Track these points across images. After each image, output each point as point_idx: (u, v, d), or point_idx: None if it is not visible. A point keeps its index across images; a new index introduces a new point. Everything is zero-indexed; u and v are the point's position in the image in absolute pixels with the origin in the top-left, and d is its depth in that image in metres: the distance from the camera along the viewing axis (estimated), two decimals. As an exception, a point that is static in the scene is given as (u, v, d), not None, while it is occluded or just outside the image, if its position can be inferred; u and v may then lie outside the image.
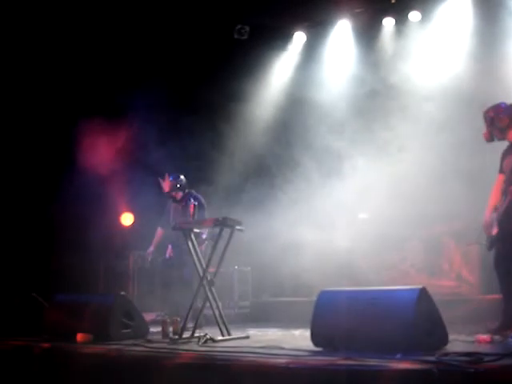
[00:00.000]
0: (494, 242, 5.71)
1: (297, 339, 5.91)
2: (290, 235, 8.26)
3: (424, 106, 8.16)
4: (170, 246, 7.92)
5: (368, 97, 9.22)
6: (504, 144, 5.96)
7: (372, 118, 8.73)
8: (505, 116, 5.82)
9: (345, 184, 8.51)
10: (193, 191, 7.98)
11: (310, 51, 10.31)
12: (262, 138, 9.94)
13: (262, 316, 8.22)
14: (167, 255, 7.97)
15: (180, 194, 7.93)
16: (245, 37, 10.20)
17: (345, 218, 8.66)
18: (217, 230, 6.12)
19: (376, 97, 9.04)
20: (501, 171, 5.91)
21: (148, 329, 6.53)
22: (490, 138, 5.90)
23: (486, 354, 4.26)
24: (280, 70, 10.53)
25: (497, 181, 5.91)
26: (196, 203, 6.23)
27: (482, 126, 5.96)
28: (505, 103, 5.87)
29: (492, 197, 5.87)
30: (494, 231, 5.69)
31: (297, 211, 8.31)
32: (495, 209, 5.77)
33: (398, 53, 9.22)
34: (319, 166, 8.88)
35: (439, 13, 9.19)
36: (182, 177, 8.02)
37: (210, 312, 6.32)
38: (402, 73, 8.77)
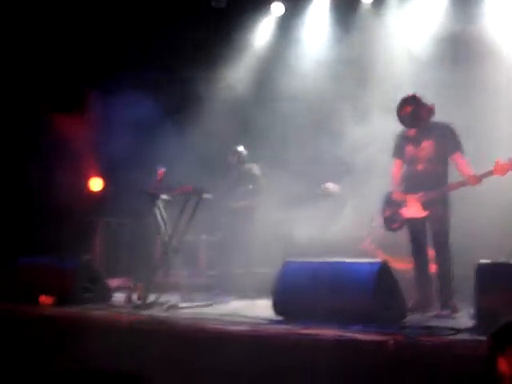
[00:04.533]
0: (404, 223, 5.93)
1: (260, 308, 5.91)
2: (260, 206, 8.26)
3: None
4: None
5: (345, 71, 9.19)
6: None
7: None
8: (427, 105, 5.86)
9: (321, 153, 8.54)
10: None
11: (288, 23, 10.21)
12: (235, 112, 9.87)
13: (228, 285, 8.23)
14: None
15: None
16: (222, 5, 10.07)
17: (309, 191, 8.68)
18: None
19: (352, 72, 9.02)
20: (398, 156, 6.02)
21: (111, 294, 6.52)
22: (418, 131, 5.91)
23: (443, 329, 4.36)
24: (257, 41, 10.42)
25: (396, 165, 6.06)
26: (164, 169, 6.18)
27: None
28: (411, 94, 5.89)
29: (395, 179, 6.03)
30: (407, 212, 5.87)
31: (269, 181, 8.30)
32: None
33: (374, 29, 9.19)
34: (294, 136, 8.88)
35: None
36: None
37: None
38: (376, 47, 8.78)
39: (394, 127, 6.11)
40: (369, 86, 8.56)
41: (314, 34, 10.08)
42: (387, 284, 4.77)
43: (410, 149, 5.93)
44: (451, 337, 4.15)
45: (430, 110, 5.83)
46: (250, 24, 10.32)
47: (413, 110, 5.77)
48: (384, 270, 4.75)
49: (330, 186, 8.59)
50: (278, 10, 10.30)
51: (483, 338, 3.92)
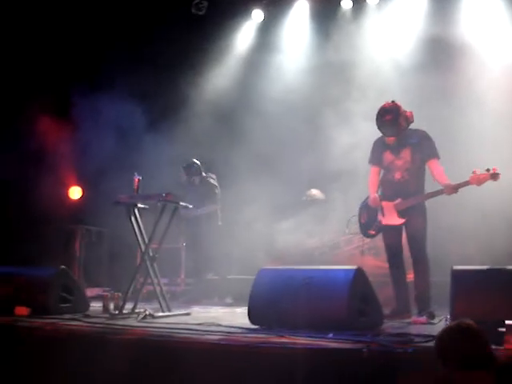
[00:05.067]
0: (380, 230, 6.03)
1: (237, 317, 5.90)
2: (240, 213, 8.25)
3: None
4: None
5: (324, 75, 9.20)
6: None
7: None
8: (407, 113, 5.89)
9: (299, 158, 8.54)
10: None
11: (268, 30, 10.22)
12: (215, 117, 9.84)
13: (208, 293, 8.21)
14: None
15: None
16: (202, 12, 10.05)
17: (294, 197, 8.67)
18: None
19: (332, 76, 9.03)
20: (376, 163, 6.06)
21: (88, 304, 6.46)
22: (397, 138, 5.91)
23: (417, 336, 4.33)
24: (237, 48, 10.41)
25: (373, 172, 6.10)
26: (140, 177, 6.14)
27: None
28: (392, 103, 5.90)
29: (372, 186, 6.06)
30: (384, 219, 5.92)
31: (247, 188, 8.27)
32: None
33: (353, 34, 9.20)
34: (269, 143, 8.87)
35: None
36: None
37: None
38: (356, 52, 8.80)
39: (377, 133, 6.14)
40: (350, 91, 8.59)
41: (294, 40, 10.12)
42: (362, 291, 4.74)
43: (388, 156, 5.95)
44: (426, 344, 4.12)
45: (409, 118, 5.84)
46: (229, 30, 10.34)
47: (392, 118, 5.77)
48: (359, 277, 4.72)
49: (314, 192, 8.60)
50: (258, 16, 10.32)
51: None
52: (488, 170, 5.36)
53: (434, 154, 5.79)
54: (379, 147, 6.05)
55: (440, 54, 8.36)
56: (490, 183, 5.42)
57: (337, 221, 8.17)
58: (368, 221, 6.07)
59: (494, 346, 3.70)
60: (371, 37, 9.24)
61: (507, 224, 7.15)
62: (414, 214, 5.72)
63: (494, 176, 5.34)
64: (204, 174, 8.37)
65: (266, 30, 10.25)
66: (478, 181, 5.38)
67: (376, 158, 6.06)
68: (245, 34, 10.47)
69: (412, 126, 5.92)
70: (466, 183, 5.46)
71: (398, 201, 5.76)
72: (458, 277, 4.54)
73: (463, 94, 7.87)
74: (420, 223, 5.74)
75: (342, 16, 9.72)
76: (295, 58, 9.93)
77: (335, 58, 9.03)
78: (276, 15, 10.21)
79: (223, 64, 10.38)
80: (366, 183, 6.26)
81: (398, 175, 5.83)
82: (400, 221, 5.78)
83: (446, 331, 2.90)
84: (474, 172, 5.40)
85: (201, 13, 9.98)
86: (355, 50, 9.07)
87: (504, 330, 3.78)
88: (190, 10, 10.01)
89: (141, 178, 6.13)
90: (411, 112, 5.88)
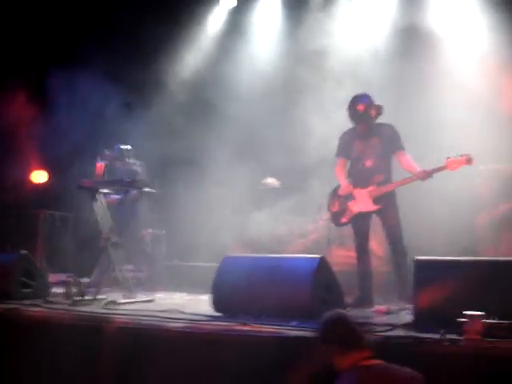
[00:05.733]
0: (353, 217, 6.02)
1: (201, 304, 5.84)
2: (206, 202, 8.21)
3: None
4: None
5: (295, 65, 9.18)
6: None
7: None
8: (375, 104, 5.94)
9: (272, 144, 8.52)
10: None
11: (240, 15, 10.15)
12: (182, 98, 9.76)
13: (173, 280, 8.16)
14: None
15: None
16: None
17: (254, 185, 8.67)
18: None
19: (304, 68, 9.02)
20: (343, 155, 6.13)
21: (50, 289, 6.38)
22: (367, 128, 5.97)
23: (378, 325, 4.35)
24: (204, 33, 10.32)
25: (339, 163, 6.17)
26: (106, 163, 6.05)
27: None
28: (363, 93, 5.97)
29: (341, 176, 6.13)
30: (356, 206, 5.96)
31: (218, 173, 8.24)
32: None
33: (326, 22, 9.19)
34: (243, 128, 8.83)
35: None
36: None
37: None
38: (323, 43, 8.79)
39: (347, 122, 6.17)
40: (323, 78, 8.59)
41: (266, 26, 10.07)
42: (326, 280, 4.75)
43: (358, 145, 6.01)
44: (387, 333, 4.14)
45: (379, 109, 5.90)
46: (201, 15, 10.25)
47: (363, 108, 5.85)
48: (323, 266, 4.72)
49: (270, 180, 8.62)
50: (229, 2, 10.24)
51: (419, 333, 3.97)
52: (462, 155, 5.43)
53: (400, 146, 5.90)
54: (347, 140, 6.12)
55: (413, 42, 8.39)
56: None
57: (305, 209, 8.20)
58: (339, 209, 6.10)
59: (454, 336, 3.77)
60: (343, 25, 9.23)
61: (471, 215, 7.26)
62: (388, 203, 5.82)
63: (469, 160, 5.44)
64: (128, 159, 7.99)
65: (239, 15, 10.19)
66: (454, 165, 5.46)
67: (343, 150, 6.13)
68: (216, 19, 10.40)
69: (379, 119, 5.98)
70: (442, 168, 5.54)
71: (372, 187, 5.84)
72: (421, 267, 4.56)
73: (436, 82, 7.92)
74: (395, 208, 5.85)
75: (313, 3, 9.70)
76: (267, 45, 9.89)
77: (307, 45, 9.03)
78: (248, 1, 10.16)
79: (195, 48, 10.30)
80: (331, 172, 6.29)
81: (368, 163, 5.92)
82: (374, 207, 5.85)
83: (328, 321, 3.32)
84: (448, 158, 5.45)
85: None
86: (327, 37, 9.06)
87: (464, 320, 3.80)
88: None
89: (105, 163, 6.03)
90: (380, 104, 5.92)
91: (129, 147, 8.06)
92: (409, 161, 5.82)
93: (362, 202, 5.91)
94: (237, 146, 8.82)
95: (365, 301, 5.71)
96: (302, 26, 9.43)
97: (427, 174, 5.61)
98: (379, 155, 5.88)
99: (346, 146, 6.09)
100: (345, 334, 3.20)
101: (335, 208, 6.15)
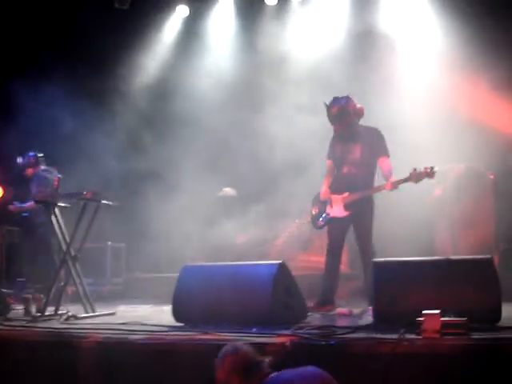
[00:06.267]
0: (328, 221, 6.15)
1: (163, 315, 5.81)
2: (164, 212, 8.16)
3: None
4: None
5: (250, 74, 9.23)
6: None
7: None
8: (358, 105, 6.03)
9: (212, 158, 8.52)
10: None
11: (193, 26, 10.16)
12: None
13: (135, 293, 8.10)
14: None
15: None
16: (126, 7, 9.88)
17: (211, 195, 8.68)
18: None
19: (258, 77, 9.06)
20: (330, 157, 6.24)
21: (9, 307, 6.24)
22: (345, 129, 6.03)
23: (340, 327, 4.38)
24: (159, 44, 10.30)
25: (328, 166, 6.28)
26: (60, 176, 5.97)
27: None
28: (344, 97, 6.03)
29: (326, 180, 6.24)
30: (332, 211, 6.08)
31: (179, 181, 8.21)
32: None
33: (277, 31, 9.26)
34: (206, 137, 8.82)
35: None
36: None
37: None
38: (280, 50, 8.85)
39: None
40: (279, 86, 8.64)
41: (220, 36, 10.09)
42: (286, 285, 4.76)
43: (338, 149, 6.13)
44: (348, 335, 4.16)
45: (359, 112, 6.00)
46: (154, 25, 10.22)
47: (336, 111, 5.91)
48: (283, 272, 4.73)
49: (228, 189, 8.69)
50: (183, 11, 10.24)
51: (379, 334, 4.01)
52: (426, 168, 5.52)
53: (383, 152, 5.97)
54: (332, 142, 6.23)
55: (369, 46, 8.51)
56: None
57: (268, 216, 8.23)
58: (318, 212, 6.24)
59: (413, 336, 3.81)
60: (298, 31, 9.34)
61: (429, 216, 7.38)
62: (361, 208, 5.89)
63: (430, 174, 5.51)
64: (40, 166, 7.92)
65: (194, 23, 10.20)
66: (416, 178, 5.55)
67: (329, 152, 6.25)
68: (170, 29, 10.39)
69: (363, 122, 6.08)
70: (405, 180, 5.63)
71: (346, 194, 5.94)
72: (379, 268, 4.61)
73: (392, 86, 8.03)
74: (366, 217, 5.94)
75: (267, 12, 9.76)
76: (225, 53, 9.92)
77: (265, 51, 9.11)
78: (201, 11, 10.17)
79: (154, 55, 10.27)
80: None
81: (345, 169, 6.03)
82: (345, 213, 5.95)
83: (223, 355, 3.30)
84: (413, 169, 5.56)
85: (124, 7, 9.82)
86: (284, 43, 9.16)
87: (422, 319, 3.86)
88: (113, 4, 9.84)
89: (60, 176, 5.96)
90: (362, 106, 6.02)
91: (41, 154, 7.97)
92: (386, 169, 5.90)
93: (336, 208, 6.02)
94: (199, 156, 8.82)
95: (327, 303, 5.75)
96: (257, 34, 9.50)
97: (393, 185, 5.71)
98: (356, 162, 5.96)
99: (331, 148, 6.22)
100: (241, 365, 3.23)
101: (315, 211, 6.31)
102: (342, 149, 6.05)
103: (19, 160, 7.92)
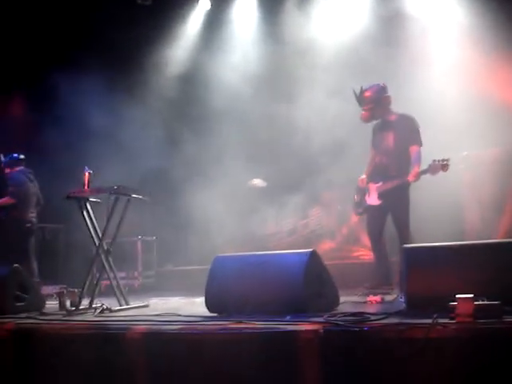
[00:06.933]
0: (366, 209, 6.40)
1: (196, 306, 5.89)
2: (195, 204, 8.21)
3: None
4: None
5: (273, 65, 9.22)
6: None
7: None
8: (388, 95, 6.15)
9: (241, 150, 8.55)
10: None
11: (215, 18, 10.18)
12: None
13: (166, 285, 8.18)
14: None
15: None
16: (148, 2, 9.97)
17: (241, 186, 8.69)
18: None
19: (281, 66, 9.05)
20: (372, 145, 6.43)
21: (44, 301, 6.36)
22: (370, 118, 6.12)
23: (373, 314, 4.38)
24: (184, 37, 10.33)
25: (370, 154, 6.48)
26: (91, 171, 6.04)
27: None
28: (379, 83, 6.17)
29: (367, 168, 6.50)
30: (369, 199, 6.33)
31: (198, 180, 8.25)
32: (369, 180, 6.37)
33: (301, 17, 9.23)
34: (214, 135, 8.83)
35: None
36: None
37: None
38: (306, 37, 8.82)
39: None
40: (307, 73, 8.64)
41: (243, 27, 10.10)
42: (318, 273, 4.77)
43: (377, 136, 6.33)
44: (382, 321, 4.18)
45: (388, 99, 6.13)
46: (177, 19, 10.27)
47: (370, 96, 6.08)
48: (314, 260, 4.75)
49: (256, 181, 8.70)
50: (205, 4, 10.28)
51: (412, 320, 4.02)
52: (440, 160, 5.62)
53: (415, 141, 6.05)
54: (373, 130, 6.41)
55: (394, 29, 8.46)
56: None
57: (294, 207, 8.24)
58: (359, 200, 6.51)
59: (446, 320, 3.81)
60: (322, 18, 9.30)
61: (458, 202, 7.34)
62: (395, 197, 6.04)
63: (444, 167, 5.65)
64: (16, 168, 8.24)
65: (216, 18, 10.22)
66: (434, 171, 5.70)
67: (372, 140, 6.42)
68: (193, 23, 10.43)
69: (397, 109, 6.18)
70: (424, 171, 5.80)
71: (380, 183, 6.16)
72: (410, 255, 4.61)
73: (422, 68, 7.98)
74: (401, 206, 6.08)
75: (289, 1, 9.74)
76: (247, 44, 9.92)
77: (290, 38, 9.08)
78: (223, 3, 10.19)
79: (179, 47, 10.31)
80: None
81: (380, 158, 6.24)
82: (378, 202, 6.19)
83: None
84: (433, 161, 5.62)
85: (147, 3, 9.91)
86: (307, 31, 9.13)
87: (455, 303, 3.85)
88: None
89: (91, 171, 6.03)
90: (389, 95, 6.15)
91: (22, 156, 8.26)
92: (414, 158, 6.00)
93: (372, 196, 6.28)
94: (233, 148, 8.86)
95: (382, 284, 6.02)
96: (281, 23, 9.50)
97: (414, 177, 5.89)
98: (390, 151, 6.12)
99: (373, 136, 6.40)
100: None
101: (356, 198, 6.58)
102: (379, 137, 6.22)
103: (1, 158, 8.28)
